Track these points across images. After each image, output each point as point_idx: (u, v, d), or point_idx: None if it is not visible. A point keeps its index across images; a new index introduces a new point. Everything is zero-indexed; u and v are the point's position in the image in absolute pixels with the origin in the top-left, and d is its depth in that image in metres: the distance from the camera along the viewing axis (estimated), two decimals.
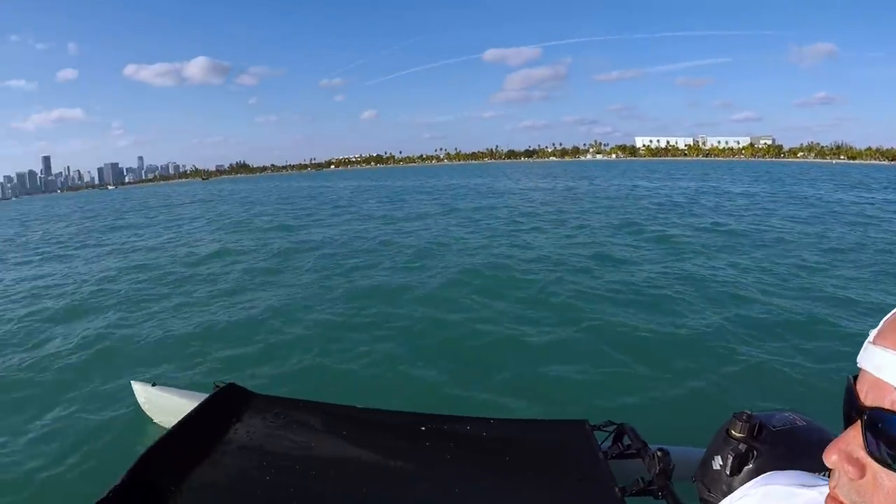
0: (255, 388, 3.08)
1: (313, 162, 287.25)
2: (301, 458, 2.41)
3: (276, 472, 2.30)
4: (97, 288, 12.57)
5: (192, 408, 2.97)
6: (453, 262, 12.77)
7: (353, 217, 25.64)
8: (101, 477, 4.35)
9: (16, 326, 9.72)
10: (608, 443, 2.72)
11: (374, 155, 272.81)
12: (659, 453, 2.35)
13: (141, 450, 2.38)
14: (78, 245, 22.02)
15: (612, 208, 25.00)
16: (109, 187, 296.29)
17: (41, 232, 30.66)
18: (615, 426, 2.78)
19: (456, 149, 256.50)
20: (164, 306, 10.38)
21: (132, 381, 4.18)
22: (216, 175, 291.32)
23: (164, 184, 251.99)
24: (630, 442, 2.66)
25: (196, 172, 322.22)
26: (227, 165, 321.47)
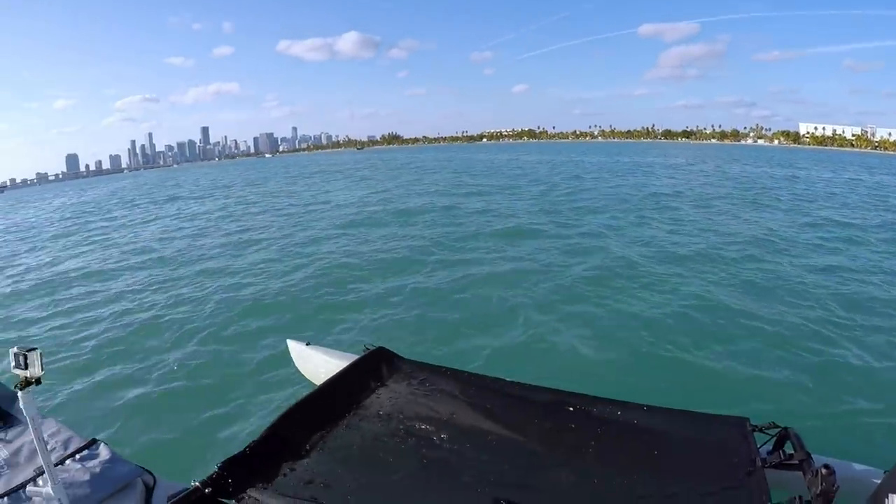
0: (407, 355, 3.12)
1: (465, 135, 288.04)
2: (440, 427, 2.37)
3: (413, 439, 2.30)
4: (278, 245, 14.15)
5: (340, 367, 3.07)
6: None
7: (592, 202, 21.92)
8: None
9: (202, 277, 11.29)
10: (767, 447, 2.44)
11: (526, 129, 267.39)
12: (824, 470, 2.01)
13: (286, 405, 2.49)
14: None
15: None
16: (266, 155, 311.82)
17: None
18: (779, 430, 2.48)
19: (611, 126, 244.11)
20: (339, 269, 11.34)
21: (288, 339, 4.36)
22: (369, 145, 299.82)
23: (319, 153, 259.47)
24: (792, 451, 2.35)
25: (349, 142, 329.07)
26: (378, 136, 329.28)
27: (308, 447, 2.32)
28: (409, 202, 21.72)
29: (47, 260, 15.61)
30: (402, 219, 17.44)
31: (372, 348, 3.05)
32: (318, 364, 3.90)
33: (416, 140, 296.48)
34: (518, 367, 5.76)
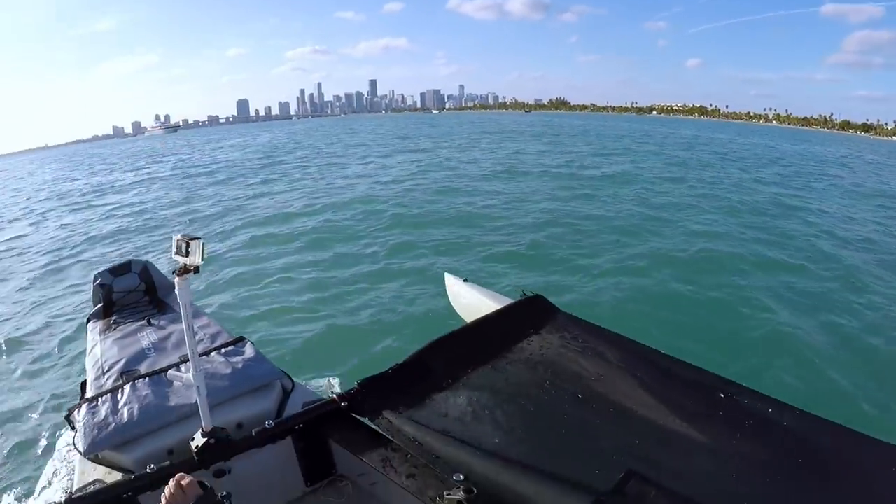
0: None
1: (634, 105, 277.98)
2: (585, 386, 2.22)
3: (556, 392, 2.18)
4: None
5: (494, 309, 2.99)
6: None
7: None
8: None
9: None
10: None
11: (698, 105, 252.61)
12: None
13: (435, 336, 2.46)
14: None
15: None
16: (434, 111, 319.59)
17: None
18: None
19: (787, 110, 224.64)
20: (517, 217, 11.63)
21: (446, 273, 4.33)
22: (536, 108, 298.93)
23: (486, 112, 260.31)
24: None
25: (516, 104, 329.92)
26: (545, 100, 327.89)
27: (450, 380, 2.25)
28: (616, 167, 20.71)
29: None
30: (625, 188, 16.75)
31: (530, 294, 2.90)
32: (472, 302, 3.83)
33: (583, 107, 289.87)
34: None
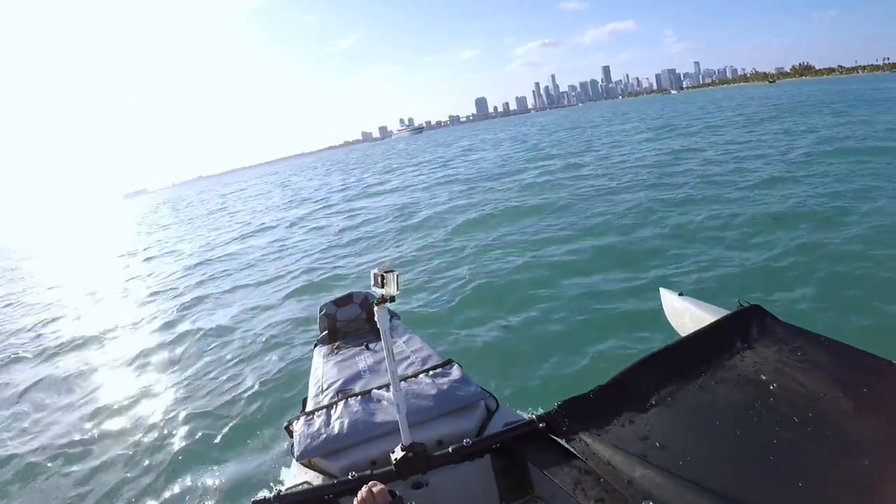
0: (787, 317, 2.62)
1: (888, 62, 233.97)
2: (805, 407, 1.95)
3: (766, 414, 1.94)
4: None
5: (709, 321, 2.77)
6: None
7: None
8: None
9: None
10: None
11: None
12: None
13: (643, 354, 2.31)
14: None
15: None
16: (672, 92, 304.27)
17: None
18: None
19: None
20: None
21: (661, 288, 4.21)
22: (779, 77, 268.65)
23: (727, 87, 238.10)
24: None
25: (756, 75, 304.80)
26: (788, 67, 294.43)
27: (653, 401, 2.07)
28: None
29: None
30: None
31: (746, 304, 2.62)
32: (687, 316, 3.67)
33: (830, 70, 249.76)
34: None
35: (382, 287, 1.97)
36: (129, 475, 4.94)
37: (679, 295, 3.87)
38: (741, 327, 2.47)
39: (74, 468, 5.19)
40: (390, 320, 3.71)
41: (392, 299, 1.99)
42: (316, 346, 3.79)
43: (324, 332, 3.86)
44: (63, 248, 33.14)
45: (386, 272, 1.95)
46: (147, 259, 19.30)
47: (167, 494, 4.55)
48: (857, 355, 2.12)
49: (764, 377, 2.09)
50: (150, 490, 4.65)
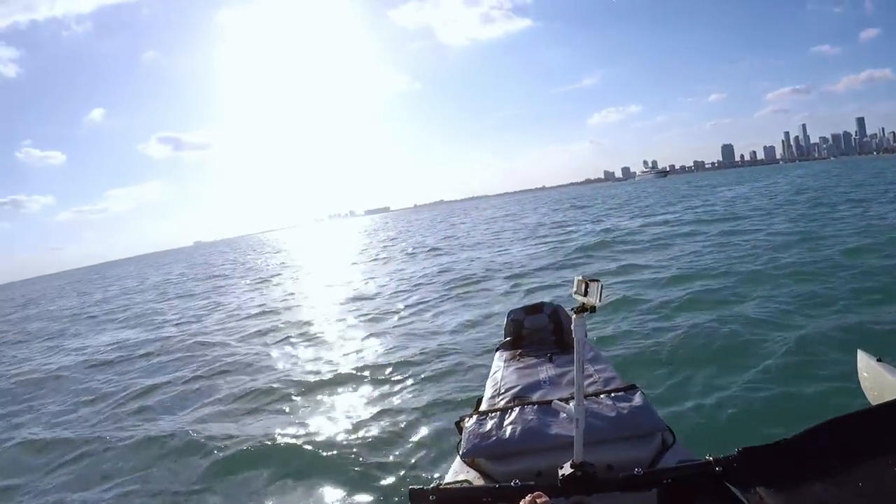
0: None
1: None
2: None
3: None
4: None
5: None
6: None
7: None
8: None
9: None
10: None
11: None
12: None
13: (833, 414, 2.03)
14: None
15: None
16: None
17: None
18: None
19: None
20: None
21: (859, 350, 3.95)
22: None
23: None
24: None
25: None
26: None
27: (839, 467, 1.85)
28: None
29: None
30: None
31: None
32: (885, 384, 3.47)
33: None
34: None
35: (585, 295, 1.89)
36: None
37: (878, 360, 3.67)
38: None
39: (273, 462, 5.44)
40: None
41: (593, 310, 1.91)
42: (498, 349, 3.76)
43: (507, 338, 3.83)
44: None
45: (591, 280, 1.89)
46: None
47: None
48: None
49: None
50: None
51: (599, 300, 1.86)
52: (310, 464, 4.99)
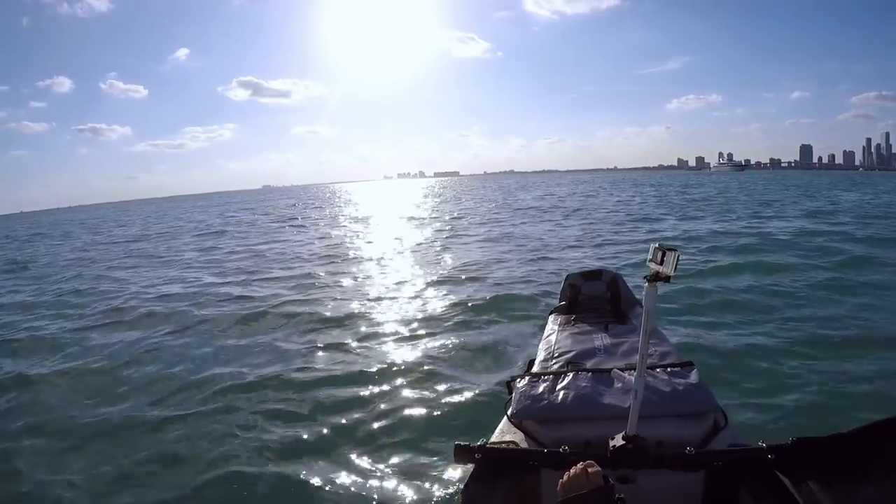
0: None
1: None
2: None
3: None
4: None
5: None
6: None
7: None
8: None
9: None
10: None
11: None
12: None
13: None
14: None
15: None
16: None
17: None
18: None
19: None
20: None
21: None
22: None
23: None
24: None
25: None
26: None
27: (880, 472, 1.76)
28: None
29: None
30: None
31: None
32: None
33: None
34: None
35: (661, 264, 1.87)
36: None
37: None
38: None
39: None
40: (631, 308, 3.59)
41: (667, 279, 1.88)
42: (552, 313, 3.75)
43: (563, 302, 3.81)
44: None
45: (668, 249, 1.86)
46: None
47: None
48: None
49: None
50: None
51: (674, 270, 1.83)
52: (355, 410, 5.06)
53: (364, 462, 4.19)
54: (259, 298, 10.07)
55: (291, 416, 5.01)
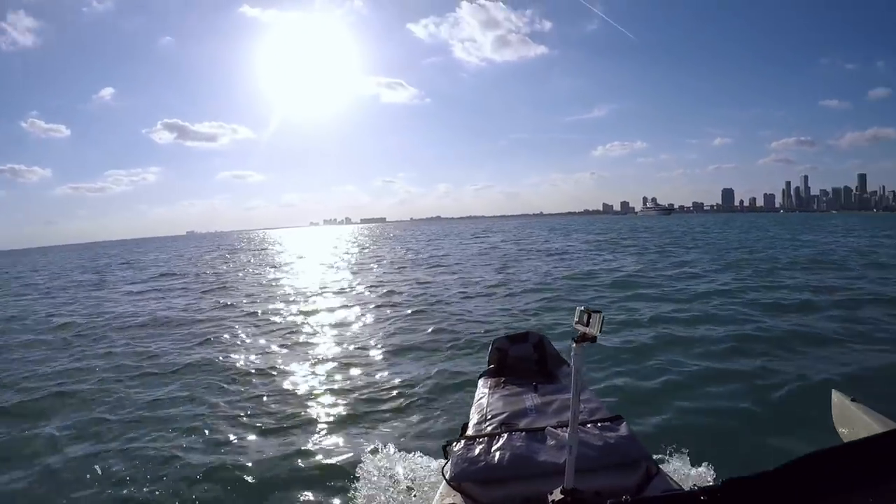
0: None
1: None
2: None
3: None
4: None
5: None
6: None
7: None
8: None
9: None
10: None
11: None
12: None
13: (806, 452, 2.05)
14: None
15: None
16: None
17: None
18: None
19: None
20: None
21: (833, 390, 3.97)
22: None
23: None
24: None
25: None
26: None
27: (820, 499, 1.84)
28: None
29: None
30: None
31: None
32: (857, 425, 3.48)
33: None
34: None
35: (587, 325, 1.96)
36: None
37: (852, 400, 3.70)
38: None
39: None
40: (559, 367, 3.70)
41: (594, 340, 1.98)
42: (481, 376, 3.79)
43: (491, 365, 3.86)
44: None
45: (593, 312, 1.96)
46: None
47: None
48: None
49: None
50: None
51: (599, 331, 1.93)
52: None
53: None
54: None
55: None
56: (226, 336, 11.23)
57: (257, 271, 27.75)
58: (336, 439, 5.77)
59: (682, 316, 10.99)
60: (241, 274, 26.53)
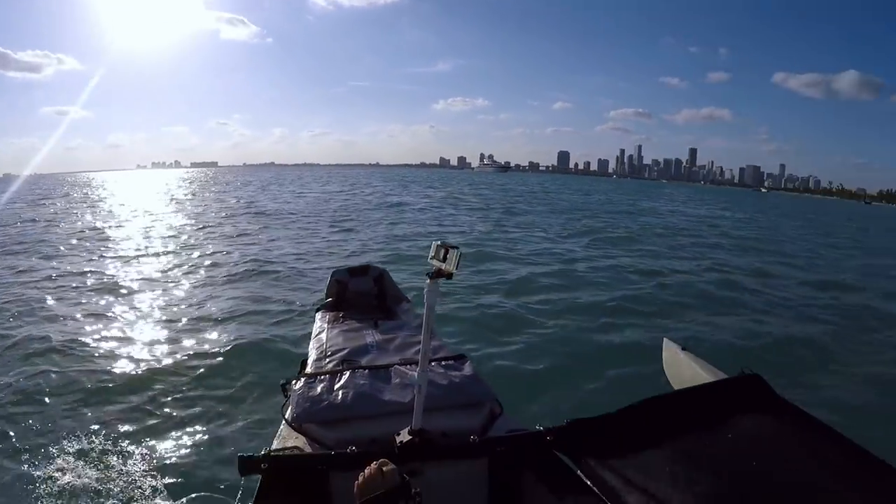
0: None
1: None
2: (789, 487, 1.83)
3: (752, 483, 1.83)
4: None
5: (706, 381, 2.78)
6: None
7: None
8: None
9: None
10: None
11: None
12: None
13: (635, 399, 2.20)
14: None
15: None
16: (763, 189, 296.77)
17: None
18: None
19: None
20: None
21: (665, 339, 4.07)
22: (877, 199, 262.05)
23: (816, 198, 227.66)
24: None
25: (842, 192, 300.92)
26: (876, 191, 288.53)
27: (653, 441, 2.00)
28: None
29: None
30: None
31: (749, 372, 2.47)
32: (685, 371, 3.64)
33: None
34: None
35: (443, 262, 1.90)
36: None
37: (682, 349, 3.82)
38: (740, 393, 2.36)
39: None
40: (399, 304, 3.65)
41: (449, 276, 1.93)
42: (319, 310, 3.66)
43: (329, 299, 3.73)
44: None
45: (450, 247, 1.90)
46: None
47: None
48: (855, 450, 1.93)
49: (743, 450, 2.00)
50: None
51: (456, 267, 1.89)
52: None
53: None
54: None
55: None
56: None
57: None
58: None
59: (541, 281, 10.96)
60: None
